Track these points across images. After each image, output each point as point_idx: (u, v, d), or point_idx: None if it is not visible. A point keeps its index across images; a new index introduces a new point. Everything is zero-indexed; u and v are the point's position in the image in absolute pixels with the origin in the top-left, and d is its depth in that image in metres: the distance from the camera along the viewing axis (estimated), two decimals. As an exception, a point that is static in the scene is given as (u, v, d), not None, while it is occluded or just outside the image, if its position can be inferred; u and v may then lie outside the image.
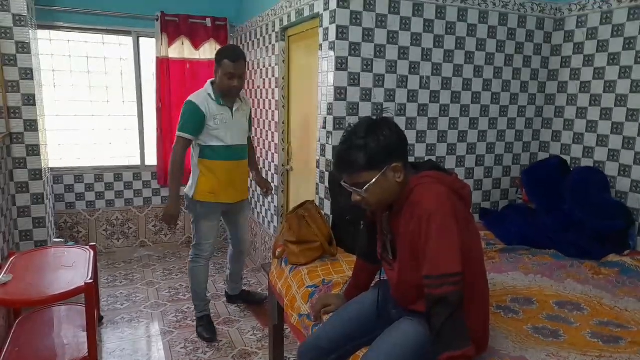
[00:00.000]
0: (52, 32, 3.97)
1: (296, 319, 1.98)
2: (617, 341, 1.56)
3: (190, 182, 2.79)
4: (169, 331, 2.91)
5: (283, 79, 3.43)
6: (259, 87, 3.94)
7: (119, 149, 4.38)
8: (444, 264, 1.26)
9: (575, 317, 1.75)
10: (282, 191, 3.60)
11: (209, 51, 4.29)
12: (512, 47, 2.97)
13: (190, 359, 2.61)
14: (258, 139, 4.04)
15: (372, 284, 1.78)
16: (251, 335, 2.83)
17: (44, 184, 3.30)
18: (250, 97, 4.12)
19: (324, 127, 2.67)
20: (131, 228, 4.40)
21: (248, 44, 4.15)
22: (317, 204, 2.83)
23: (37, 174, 3.20)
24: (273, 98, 3.59)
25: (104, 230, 4.30)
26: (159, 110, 4.21)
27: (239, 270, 3.24)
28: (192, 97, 2.65)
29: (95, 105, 4.24)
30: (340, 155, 1.42)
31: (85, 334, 2.40)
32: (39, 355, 2.39)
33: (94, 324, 2.36)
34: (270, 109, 3.68)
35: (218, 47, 4.32)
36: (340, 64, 2.53)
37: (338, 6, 2.45)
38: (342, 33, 2.49)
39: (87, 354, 2.35)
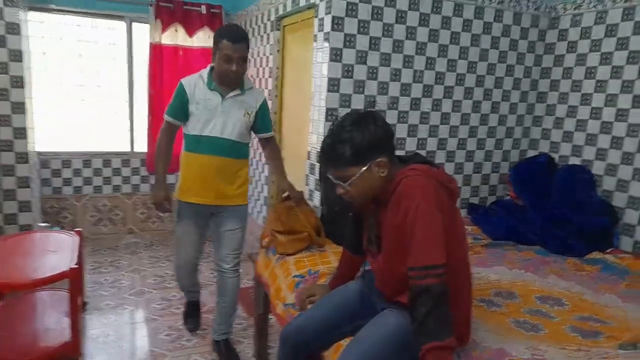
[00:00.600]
0: (43, 14, 3.91)
1: (281, 308, 1.98)
2: (596, 335, 1.59)
3: (176, 183, 2.51)
4: (153, 318, 2.90)
5: (277, 68, 3.41)
6: (252, 76, 3.91)
7: (109, 134, 4.33)
8: (428, 255, 1.27)
9: (556, 311, 1.77)
10: (272, 182, 3.59)
11: (202, 39, 4.25)
12: (506, 43, 2.97)
13: (174, 346, 2.60)
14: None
15: (358, 275, 1.79)
16: (236, 324, 2.82)
17: (30, 167, 3.26)
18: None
19: (316, 118, 2.66)
20: (118, 215, 4.36)
21: (242, 32, 4.11)
22: (307, 195, 2.83)
23: (23, 157, 3.15)
24: (266, 88, 3.57)
25: (91, 216, 4.26)
26: (151, 97, 4.16)
27: (223, 303, 2.49)
28: (183, 79, 2.34)
29: (86, 90, 4.19)
30: (325, 149, 1.42)
31: (68, 319, 2.38)
32: (21, 340, 2.37)
33: (77, 310, 2.34)
34: (262, 98, 3.66)
35: (212, 34, 4.26)
36: (335, 55, 2.52)
37: (333, -4, 2.44)
38: (337, 24, 2.48)
39: (69, 339, 2.34)
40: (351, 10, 2.49)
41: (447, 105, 2.90)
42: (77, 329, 2.33)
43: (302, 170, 2.91)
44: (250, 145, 2.48)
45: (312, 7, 2.70)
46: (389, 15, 2.59)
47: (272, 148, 2.50)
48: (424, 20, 2.69)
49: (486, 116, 3.06)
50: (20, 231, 3.15)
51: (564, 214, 2.53)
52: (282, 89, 3.43)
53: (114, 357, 2.47)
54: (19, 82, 3.06)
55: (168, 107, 2.34)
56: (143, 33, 4.16)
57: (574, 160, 2.92)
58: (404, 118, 2.79)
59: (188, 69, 4.23)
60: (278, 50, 3.38)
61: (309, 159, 2.81)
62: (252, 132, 2.42)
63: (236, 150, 2.33)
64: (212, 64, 2.29)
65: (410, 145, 2.85)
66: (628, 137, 2.63)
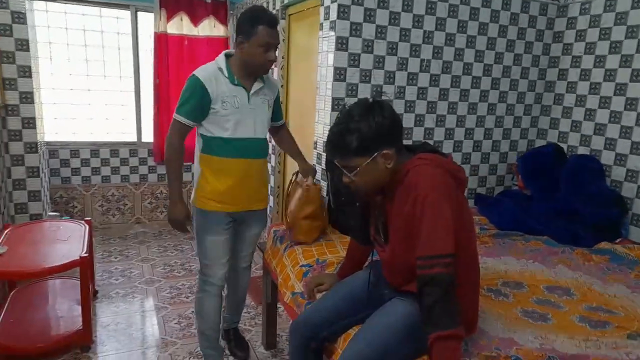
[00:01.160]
0: (49, 3, 3.90)
1: (289, 297, 2.00)
2: (604, 326, 1.59)
3: (193, 183, 2.17)
4: (163, 307, 2.93)
5: (282, 57, 3.40)
6: (257, 66, 3.89)
7: (116, 124, 4.34)
8: (437, 245, 1.27)
9: (565, 301, 1.77)
10: (279, 172, 3.60)
11: (207, 28, 4.24)
12: (514, 32, 2.94)
13: (183, 334, 2.64)
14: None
15: (365, 264, 1.80)
16: (244, 312, 2.85)
17: (40, 157, 3.28)
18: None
19: (323, 108, 2.65)
20: (127, 204, 4.39)
21: (248, 21, 4.09)
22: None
23: (32, 147, 3.18)
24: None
25: (100, 205, 4.30)
26: (157, 87, 4.17)
27: (234, 296, 2.45)
28: (197, 71, 1.96)
29: (92, 80, 4.19)
30: (332, 138, 1.41)
31: (79, 307, 2.42)
32: (34, 327, 2.41)
33: (88, 298, 2.37)
34: (268, 88, 3.65)
35: (217, 24, 4.27)
36: (341, 44, 2.50)
37: (340, -16, 2.42)
38: (343, 12, 2.46)
39: (81, 327, 2.37)
40: (358, -2, 2.47)
41: (454, 95, 2.89)
42: (88, 316, 2.38)
43: (309, 160, 2.91)
44: None
45: (319, -5, 2.68)
46: (396, 3, 2.57)
47: (287, 133, 2.36)
48: (430, 9, 2.66)
49: (494, 105, 3.04)
50: (31, 220, 3.18)
51: (572, 204, 2.53)
52: (288, 78, 3.42)
53: (125, 345, 2.50)
54: (26, 72, 3.07)
55: (181, 107, 1.94)
56: (149, 22, 4.15)
57: (583, 150, 2.90)
58: (410, 107, 2.78)
59: (193, 58, 4.23)
60: (283, 40, 3.37)
61: (315, 148, 2.81)
62: None
63: (265, 148, 2.15)
64: (225, 52, 2.02)
65: (417, 135, 2.85)
66: (637, 127, 2.61)
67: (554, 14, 3.03)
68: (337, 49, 2.50)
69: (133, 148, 4.34)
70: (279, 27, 1.99)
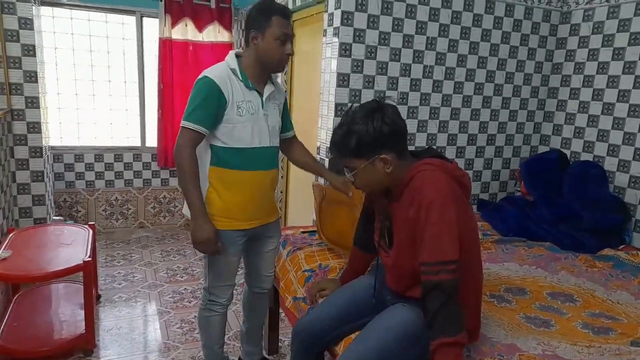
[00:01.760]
0: (55, 9, 3.94)
1: (291, 302, 2.00)
2: (607, 332, 1.59)
3: None
4: (165, 311, 2.94)
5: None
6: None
7: (120, 129, 4.37)
8: (442, 251, 1.27)
9: (568, 308, 1.77)
10: (282, 177, 3.61)
11: (212, 34, 4.27)
12: (517, 38, 2.95)
13: (186, 338, 2.64)
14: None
15: (368, 270, 1.80)
16: (247, 317, 2.86)
17: (44, 161, 3.30)
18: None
19: (326, 114, 2.67)
20: (130, 209, 4.41)
21: (252, 27, 4.12)
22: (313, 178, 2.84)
23: (37, 152, 3.20)
24: (275, 83, 3.57)
25: (103, 210, 4.31)
26: (161, 92, 4.19)
27: (257, 325, 2.25)
28: (208, 72, 1.73)
29: (97, 85, 4.22)
30: (334, 137, 1.44)
31: (82, 311, 2.43)
32: (37, 331, 2.42)
33: (91, 302, 2.38)
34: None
35: (222, 30, 4.30)
36: (344, 50, 2.52)
37: (343, -9, 2.44)
38: (347, 19, 2.48)
39: (84, 331, 2.38)
40: (361, 4, 2.49)
41: (457, 101, 2.90)
42: (91, 321, 2.38)
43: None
44: None
45: (322, 1, 2.70)
46: (399, 9, 2.58)
47: (300, 146, 2.13)
48: (434, 15, 2.68)
49: (497, 112, 3.04)
50: (35, 224, 3.20)
51: (575, 210, 2.52)
52: (291, 83, 3.43)
53: (127, 349, 2.51)
54: (32, 77, 3.10)
55: (193, 113, 1.70)
56: (153, 28, 4.19)
57: (586, 157, 2.90)
58: (413, 113, 2.79)
59: (198, 64, 4.26)
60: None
61: (318, 154, 2.82)
62: None
63: (277, 157, 1.97)
64: (234, 52, 1.82)
65: (420, 140, 2.85)
66: (641, 133, 2.61)
67: (557, 20, 3.04)
68: (341, 55, 2.52)
69: (137, 153, 4.36)
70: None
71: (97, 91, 4.23)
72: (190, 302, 3.06)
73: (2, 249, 2.42)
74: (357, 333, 1.54)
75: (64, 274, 2.32)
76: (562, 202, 2.61)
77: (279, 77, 3.48)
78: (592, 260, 2.23)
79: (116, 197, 4.34)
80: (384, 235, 1.54)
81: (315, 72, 2.86)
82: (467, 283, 1.36)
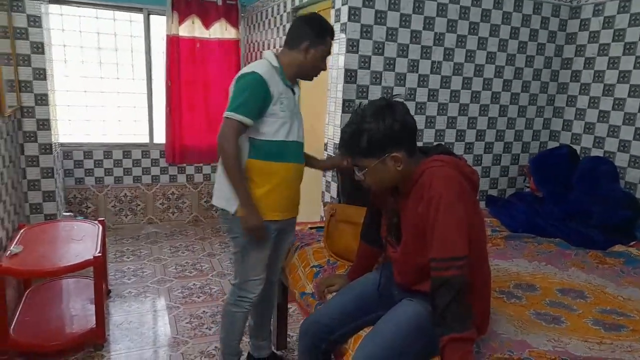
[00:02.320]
0: (63, 6, 3.96)
1: (299, 297, 2.00)
2: (618, 329, 1.58)
3: (227, 193, 1.89)
4: (174, 306, 2.96)
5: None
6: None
7: (128, 126, 4.40)
8: (452, 247, 1.27)
9: (578, 304, 1.76)
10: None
11: (219, 31, 4.27)
12: (526, 34, 2.93)
13: (195, 333, 2.66)
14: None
15: (376, 266, 1.80)
16: (255, 313, 2.87)
17: (54, 158, 3.33)
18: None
19: (333, 110, 2.66)
20: (139, 205, 4.44)
21: (258, 24, 4.12)
22: (324, 186, 2.85)
23: (47, 148, 3.23)
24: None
25: (112, 206, 4.35)
26: (168, 89, 4.21)
27: (266, 319, 2.30)
28: (255, 68, 1.83)
29: (105, 82, 4.25)
30: (344, 136, 1.43)
31: (93, 306, 2.45)
32: (49, 325, 2.45)
33: (101, 297, 2.41)
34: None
35: (229, 27, 4.30)
36: (351, 46, 2.51)
37: (351, -13, 2.43)
38: (354, 15, 2.47)
39: (94, 326, 2.41)
40: (368, 0, 2.48)
41: (465, 96, 2.88)
42: (101, 315, 2.41)
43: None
44: None
45: (330, -3, 2.69)
46: (406, 5, 2.57)
47: None
48: (441, 11, 2.66)
49: (506, 107, 3.02)
50: (45, 220, 3.23)
51: (585, 206, 2.50)
52: (298, 80, 3.42)
53: (137, 344, 2.53)
54: (41, 75, 3.12)
55: (242, 106, 1.78)
56: (161, 25, 4.20)
57: (596, 152, 2.87)
58: (421, 109, 2.78)
59: (205, 60, 4.27)
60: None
61: (326, 150, 2.81)
62: None
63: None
64: (272, 52, 1.94)
65: (428, 136, 2.84)
66: (652, 128, 2.58)
67: (567, 15, 3.01)
68: (348, 51, 2.51)
69: (145, 149, 4.38)
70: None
71: (106, 88, 4.25)
72: (199, 298, 3.08)
73: (13, 245, 2.45)
74: (365, 329, 1.54)
75: (75, 269, 2.35)
76: (571, 198, 2.59)
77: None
78: (603, 256, 2.21)
79: (125, 194, 4.37)
80: (392, 232, 1.54)
81: (323, 68, 2.85)
82: (476, 279, 1.36)
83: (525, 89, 3.05)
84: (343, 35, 2.51)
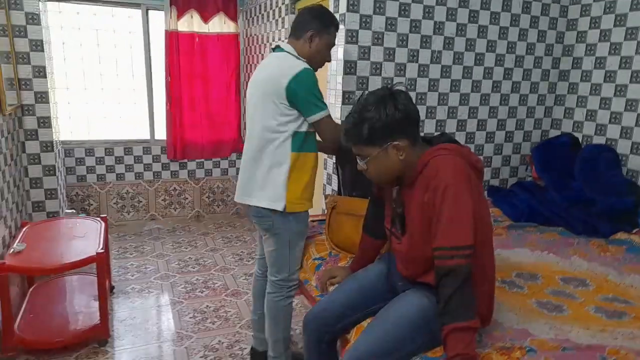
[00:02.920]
0: (61, 3, 3.95)
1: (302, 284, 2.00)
2: (620, 316, 1.57)
3: (270, 191, 1.87)
4: (178, 301, 2.97)
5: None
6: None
7: (129, 122, 4.39)
8: (457, 236, 1.26)
9: (580, 292, 1.75)
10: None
11: (218, 25, 4.25)
12: (526, 21, 2.90)
13: (199, 328, 2.67)
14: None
15: (378, 257, 1.80)
16: (258, 306, 2.88)
17: (55, 156, 3.33)
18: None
19: (333, 102, 2.65)
20: (141, 201, 4.45)
21: (257, 17, 4.10)
22: (324, 178, 2.84)
23: (48, 146, 3.23)
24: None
25: (115, 203, 4.36)
26: (168, 84, 4.20)
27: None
28: (303, 64, 1.84)
29: (105, 79, 4.24)
30: (346, 125, 1.42)
31: (96, 302, 2.46)
32: (53, 322, 2.46)
33: (105, 293, 2.42)
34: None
35: (227, 20, 4.28)
36: (351, 37, 2.49)
37: (349, -23, 2.41)
38: (352, 5, 2.45)
39: (98, 322, 2.42)
40: (367, -9, 2.46)
41: (466, 86, 2.86)
42: (105, 311, 2.42)
43: (320, 155, 2.91)
44: None
45: (328, -12, 2.67)
46: (406, -6, 2.55)
47: None
48: (441, -1, 2.64)
49: (506, 96, 3.00)
50: (48, 218, 3.24)
51: (587, 194, 2.49)
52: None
53: (141, 339, 2.54)
54: (41, 72, 3.12)
55: (322, 100, 1.84)
56: (159, 20, 4.18)
57: (598, 140, 2.85)
58: (422, 99, 2.76)
59: (204, 55, 4.26)
60: (294, 34, 3.36)
61: (327, 143, 2.80)
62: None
63: None
64: (283, 46, 1.92)
65: (429, 126, 2.83)
66: (655, 115, 2.56)
67: (568, 1, 2.98)
68: (347, 42, 2.49)
69: (146, 145, 4.38)
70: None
71: (106, 85, 4.25)
72: (202, 292, 3.09)
73: (16, 242, 2.46)
74: (368, 320, 1.54)
75: (78, 265, 2.36)
76: (574, 187, 2.58)
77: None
78: (605, 244, 2.21)
79: (127, 190, 4.38)
80: (396, 222, 1.53)
81: (322, 60, 2.83)
82: (480, 269, 1.35)
83: (527, 77, 3.02)
84: (342, 26, 2.49)
